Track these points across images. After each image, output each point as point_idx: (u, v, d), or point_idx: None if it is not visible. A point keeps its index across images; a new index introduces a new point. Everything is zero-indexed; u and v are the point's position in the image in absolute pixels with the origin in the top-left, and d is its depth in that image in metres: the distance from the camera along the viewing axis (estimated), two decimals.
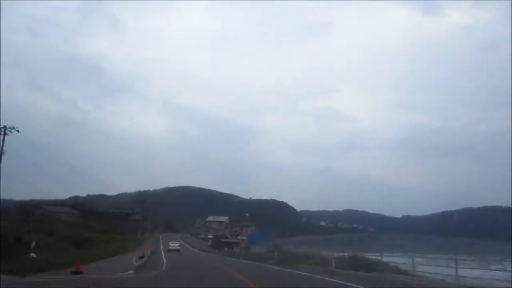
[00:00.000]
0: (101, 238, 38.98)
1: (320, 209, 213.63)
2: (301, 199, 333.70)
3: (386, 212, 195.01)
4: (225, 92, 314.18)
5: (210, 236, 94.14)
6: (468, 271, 16.66)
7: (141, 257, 26.45)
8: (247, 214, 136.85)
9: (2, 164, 25.60)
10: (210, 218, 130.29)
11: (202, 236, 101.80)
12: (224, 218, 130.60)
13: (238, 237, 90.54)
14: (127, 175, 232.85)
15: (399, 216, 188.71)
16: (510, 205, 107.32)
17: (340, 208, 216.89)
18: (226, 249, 61.56)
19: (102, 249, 30.83)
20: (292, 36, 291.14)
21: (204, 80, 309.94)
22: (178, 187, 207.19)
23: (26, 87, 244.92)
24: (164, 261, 30.49)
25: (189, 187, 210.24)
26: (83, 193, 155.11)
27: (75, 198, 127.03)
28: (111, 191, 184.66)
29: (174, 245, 53.85)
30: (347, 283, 15.48)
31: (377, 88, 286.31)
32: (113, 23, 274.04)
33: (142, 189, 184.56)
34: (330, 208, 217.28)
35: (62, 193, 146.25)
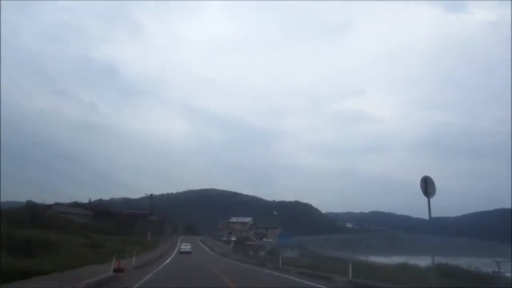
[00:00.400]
0: (98, 240, 33.97)
1: (345, 211, 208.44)
2: (325, 201, 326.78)
3: (414, 214, 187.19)
4: (247, 95, 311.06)
5: (233, 238, 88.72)
6: None
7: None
8: (275, 213, 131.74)
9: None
10: (233, 219, 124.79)
11: (225, 238, 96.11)
12: (248, 219, 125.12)
13: (264, 239, 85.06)
14: (150, 179, 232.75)
15: (427, 217, 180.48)
16: None
17: (366, 210, 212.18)
18: (251, 252, 55.83)
19: (77, 255, 21.00)
20: (314, 37, 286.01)
21: (226, 83, 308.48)
22: (201, 189, 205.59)
23: (49, 94, 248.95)
24: (158, 268, 23.93)
25: (212, 189, 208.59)
26: (106, 197, 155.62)
27: (100, 201, 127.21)
28: (134, 195, 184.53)
29: (185, 247, 52.86)
30: None
31: (401, 88, 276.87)
32: (133, 28, 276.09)
33: (165, 192, 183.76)
34: (355, 210, 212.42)
35: (86, 197, 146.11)
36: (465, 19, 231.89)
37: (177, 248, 56.11)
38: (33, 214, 41.71)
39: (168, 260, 34.29)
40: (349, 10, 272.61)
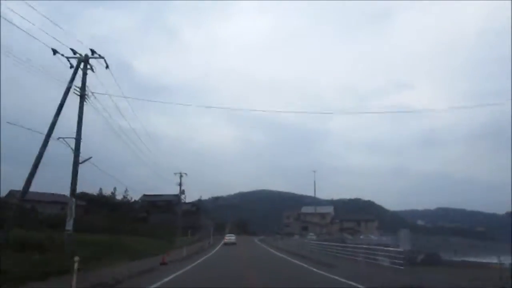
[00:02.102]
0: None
1: (408, 208, 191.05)
2: (384, 199, 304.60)
3: (486, 209, 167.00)
4: (292, 95, 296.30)
5: (312, 235, 65.19)
6: None
7: None
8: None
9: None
10: (307, 209, 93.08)
11: (297, 236, 70.92)
12: (329, 209, 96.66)
13: (362, 237, 63.69)
14: (200, 183, 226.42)
15: (502, 212, 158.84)
16: None
17: (431, 206, 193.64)
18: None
19: None
20: (359, 30, 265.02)
21: (268, 83, 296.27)
22: (253, 191, 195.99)
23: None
24: None
25: (264, 190, 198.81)
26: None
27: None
28: (187, 199, 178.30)
29: (230, 238, 54.94)
30: None
31: (452, 79, 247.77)
32: (171, 35, 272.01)
33: (215, 195, 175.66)
34: (419, 207, 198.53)
35: None
36: None
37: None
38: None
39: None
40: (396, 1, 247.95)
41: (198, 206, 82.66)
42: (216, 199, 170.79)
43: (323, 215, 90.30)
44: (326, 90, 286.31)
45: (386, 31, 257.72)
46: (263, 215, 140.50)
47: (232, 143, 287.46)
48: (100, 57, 19.40)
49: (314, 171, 72.18)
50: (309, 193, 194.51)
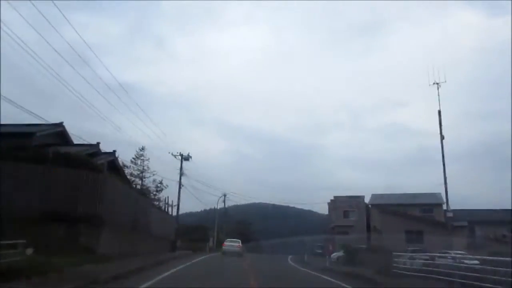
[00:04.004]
0: None
1: None
2: None
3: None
4: (284, 110, 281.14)
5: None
6: None
7: None
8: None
9: None
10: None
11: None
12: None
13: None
14: (191, 198, 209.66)
15: None
16: None
17: None
18: None
19: None
20: (352, 47, 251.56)
21: (261, 99, 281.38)
22: (250, 204, 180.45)
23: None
24: None
25: (262, 203, 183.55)
26: None
27: None
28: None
29: (232, 245, 36.06)
30: None
31: (447, 97, 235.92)
32: (159, 45, 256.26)
33: (207, 208, 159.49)
34: None
35: None
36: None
37: None
38: None
39: None
40: (391, 19, 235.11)
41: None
42: (208, 212, 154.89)
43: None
44: (321, 107, 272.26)
45: (383, 51, 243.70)
46: (263, 228, 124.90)
47: (222, 156, 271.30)
48: None
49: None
50: (308, 208, 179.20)
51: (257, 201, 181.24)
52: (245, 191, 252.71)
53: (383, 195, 51.43)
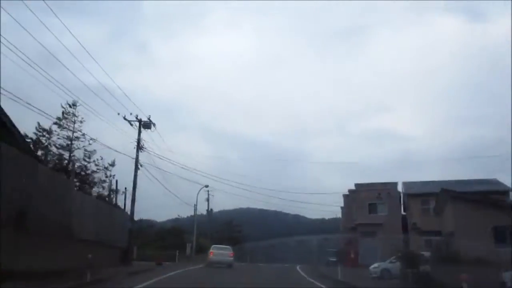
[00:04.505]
0: None
1: None
2: None
3: None
4: (268, 115, 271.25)
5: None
6: None
7: None
8: None
9: None
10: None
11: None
12: None
13: None
14: (174, 203, 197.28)
15: None
16: None
17: None
18: None
19: None
20: (337, 51, 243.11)
21: (244, 103, 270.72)
22: (237, 208, 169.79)
23: None
24: None
25: (249, 208, 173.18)
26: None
27: None
28: (160, 218, 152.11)
29: (221, 253, 28.78)
30: None
31: (431, 102, 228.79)
32: (141, 49, 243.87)
33: (189, 214, 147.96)
34: None
35: None
36: (490, 28, 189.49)
37: None
38: None
39: None
40: (373, 25, 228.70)
41: None
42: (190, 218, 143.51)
43: None
44: (304, 112, 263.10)
45: (367, 56, 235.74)
46: (252, 233, 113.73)
47: (206, 161, 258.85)
48: None
49: None
50: (296, 212, 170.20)
51: (244, 206, 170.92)
52: (231, 196, 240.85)
53: (416, 182, 38.75)
